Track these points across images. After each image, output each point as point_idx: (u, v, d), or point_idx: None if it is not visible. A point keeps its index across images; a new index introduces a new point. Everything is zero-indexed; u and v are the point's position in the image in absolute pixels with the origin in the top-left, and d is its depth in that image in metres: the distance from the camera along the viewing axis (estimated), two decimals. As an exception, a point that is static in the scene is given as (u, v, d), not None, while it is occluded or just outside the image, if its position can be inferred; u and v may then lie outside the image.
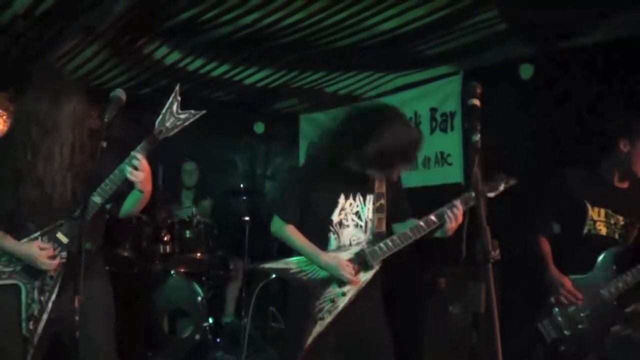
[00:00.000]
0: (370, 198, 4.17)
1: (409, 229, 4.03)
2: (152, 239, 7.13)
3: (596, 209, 4.75)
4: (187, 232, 7.41)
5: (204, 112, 3.47)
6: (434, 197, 4.23)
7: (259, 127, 10.46)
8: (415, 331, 6.28)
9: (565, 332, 4.60)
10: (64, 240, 3.48)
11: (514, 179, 4.38)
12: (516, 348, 4.71)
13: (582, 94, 6.27)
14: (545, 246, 4.79)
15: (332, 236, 4.09)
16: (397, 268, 4.27)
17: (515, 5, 5.66)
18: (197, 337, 6.86)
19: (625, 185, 4.80)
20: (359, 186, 4.16)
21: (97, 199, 3.46)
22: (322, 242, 4.08)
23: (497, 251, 2.54)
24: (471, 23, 6.04)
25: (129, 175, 3.40)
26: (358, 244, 4.10)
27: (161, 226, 7.22)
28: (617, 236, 4.75)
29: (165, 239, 7.17)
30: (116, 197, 3.66)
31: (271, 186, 10.57)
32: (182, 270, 7.09)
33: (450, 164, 7.58)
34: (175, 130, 3.42)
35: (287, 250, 4.24)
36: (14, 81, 8.03)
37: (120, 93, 3.40)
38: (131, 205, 3.75)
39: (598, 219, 4.73)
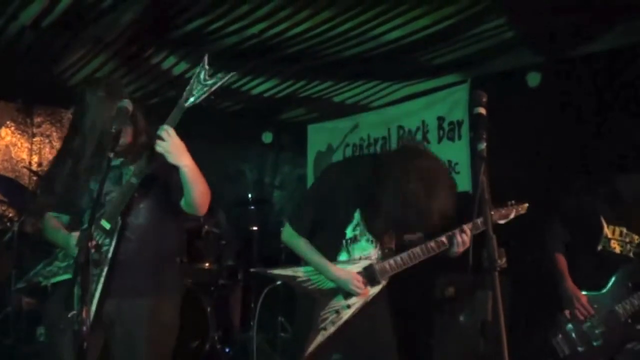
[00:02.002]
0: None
1: (419, 248, 4.04)
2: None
3: (611, 227, 4.76)
4: (195, 242, 7.40)
5: (233, 74, 3.52)
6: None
7: (267, 137, 10.46)
8: (425, 340, 6.27)
9: (579, 349, 4.59)
10: (107, 226, 3.45)
11: (525, 206, 4.37)
12: (527, 358, 4.70)
13: (589, 101, 6.26)
14: (562, 261, 4.82)
15: (343, 250, 4.08)
16: (407, 277, 4.25)
17: (523, 13, 5.65)
18: (206, 347, 6.85)
19: None
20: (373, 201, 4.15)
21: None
22: (332, 254, 4.06)
23: (504, 260, 2.54)
24: (478, 31, 6.04)
25: (157, 149, 3.38)
26: (367, 258, 4.09)
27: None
28: (631, 255, 4.75)
29: (174, 249, 7.16)
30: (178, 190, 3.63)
31: (279, 196, 10.57)
32: (191, 280, 7.08)
33: (458, 173, 7.56)
34: (204, 96, 3.44)
35: (295, 260, 4.23)
36: (23, 92, 8.08)
37: (127, 103, 3.40)
38: (186, 190, 3.58)
39: (613, 237, 4.74)
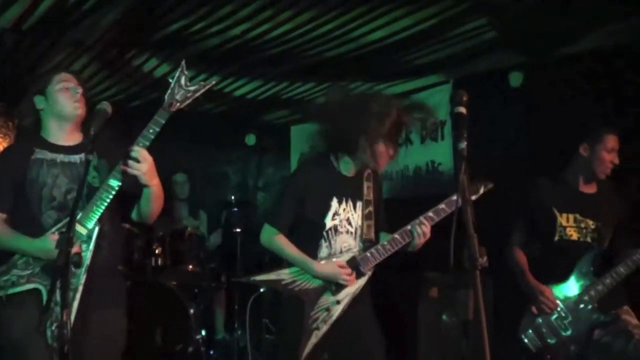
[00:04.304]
0: (359, 205, 4.16)
1: (398, 233, 4.04)
2: (143, 251, 7.08)
3: (564, 215, 4.78)
4: (179, 244, 7.38)
5: (213, 83, 3.49)
6: (425, 207, 4.22)
7: (250, 139, 10.45)
8: (408, 340, 6.27)
9: (550, 341, 4.61)
10: (83, 231, 3.35)
11: (492, 183, 4.41)
12: (509, 357, 4.70)
13: (571, 101, 6.28)
14: (521, 257, 4.83)
15: (324, 243, 4.06)
16: (389, 277, 4.26)
17: (505, 13, 5.66)
18: (190, 349, 6.82)
19: (592, 189, 4.86)
20: (350, 191, 4.15)
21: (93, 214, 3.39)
22: (312, 249, 4.05)
23: (485, 258, 2.54)
24: (460, 32, 6.05)
25: (130, 171, 3.32)
26: (348, 250, 4.07)
27: (152, 238, 7.18)
28: (589, 239, 4.76)
29: (157, 251, 7.13)
30: (130, 202, 3.62)
31: (263, 197, 10.56)
32: (174, 282, 7.05)
33: (441, 173, 7.57)
34: (187, 102, 3.40)
35: (279, 261, 4.21)
36: (4, 96, 8.03)
37: (106, 106, 3.36)
38: (145, 205, 3.60)
39: (567, 225, 4.76)
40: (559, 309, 4.63)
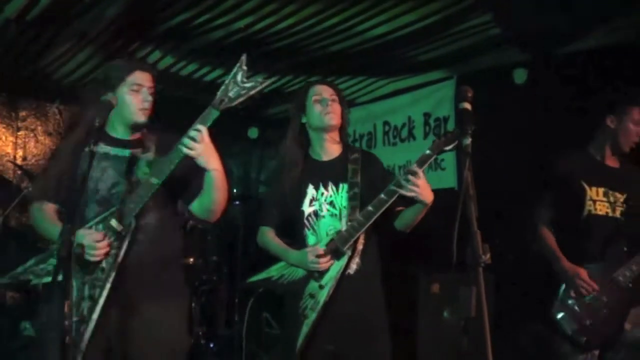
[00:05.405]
0: (343, 186, 4.10)
1: (371, 205, 3.87)
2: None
3: (594, 189, 4.67)
4: (181, 236, 7.37)
5: (274, 78, 3.43)
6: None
7: (253, 132, 10.42)
8: (409, 337, 6.26)
9: (587, 323, 4.45)
10: (117, 227, 3.30)
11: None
12: (511, 355, 4.66)
13: (575, 99, 6.26)
14: (550, 237, 4.71)
15: (309, 232, 4.06)
16: (391, 273, 4.24)
17: (509, 10, 5.65)
18: (191, 342, 6.83)
19: (616, 164, 4.80)
20: (331, 175, 4.13)
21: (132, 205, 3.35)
22: (301, 242, 4.06)
23: (488, 255, 2.53)
24: (464, 28, 6.04)
25: (185, 151, 3.25)
26: (335, 233, 4.02)
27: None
28: (618, 214, 4.65)
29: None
30: (192, 193, 3.56)
31: (265, 191, 10.55)
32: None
33: (443, 169, 7.56)
34: (240, 100, 3.34)
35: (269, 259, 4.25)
36: (8, 86, 8.03)
37: (111, 97, 3.35)
38: (207, 194, 3.49)
39: (597, 199, 4.65)
40: (594, 291, 4.50)
